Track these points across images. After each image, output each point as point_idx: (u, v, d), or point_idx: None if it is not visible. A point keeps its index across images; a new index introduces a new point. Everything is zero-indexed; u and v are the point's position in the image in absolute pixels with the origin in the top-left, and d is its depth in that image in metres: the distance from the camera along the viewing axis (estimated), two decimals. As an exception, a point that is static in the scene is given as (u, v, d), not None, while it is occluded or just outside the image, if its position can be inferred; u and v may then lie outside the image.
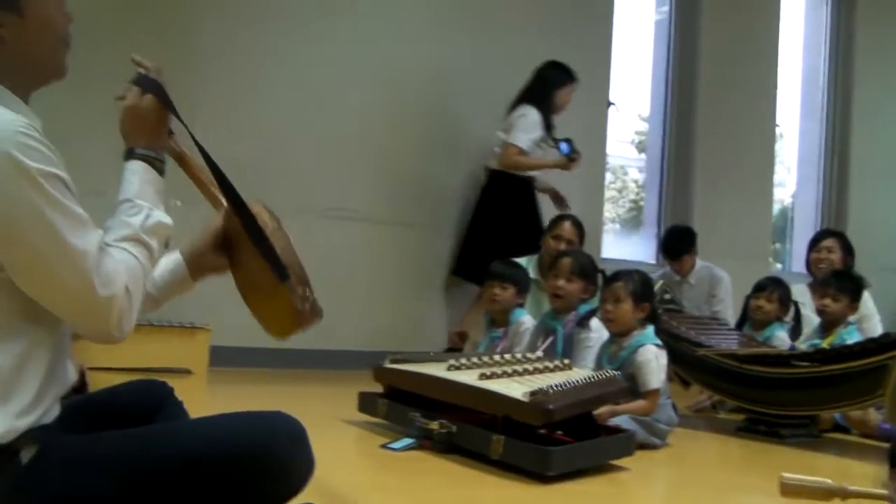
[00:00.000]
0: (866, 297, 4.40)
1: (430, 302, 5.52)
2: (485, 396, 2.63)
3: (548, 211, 5.24)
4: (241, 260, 1.62)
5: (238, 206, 1.53)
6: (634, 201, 9.12)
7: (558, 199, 5.39)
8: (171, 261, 1.65)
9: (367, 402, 3.18)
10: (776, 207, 7.82)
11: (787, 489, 1.97)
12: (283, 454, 1.39)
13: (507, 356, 3.12)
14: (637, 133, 8.50)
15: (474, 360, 3.00)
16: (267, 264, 1.50)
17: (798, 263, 7.31)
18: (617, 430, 2.85)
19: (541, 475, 2.40)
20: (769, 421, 3.62)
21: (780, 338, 4.22)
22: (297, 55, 5.08)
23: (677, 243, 5.46)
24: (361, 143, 5.26)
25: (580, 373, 2.92)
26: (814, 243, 5.02)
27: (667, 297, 4.52)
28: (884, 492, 1.97)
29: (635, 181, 9.18)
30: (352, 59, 5.25)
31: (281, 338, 1.60)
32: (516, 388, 2.59)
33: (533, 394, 2.50)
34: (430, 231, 5.54)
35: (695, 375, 4.04)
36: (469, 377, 2.76)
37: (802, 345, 4.11)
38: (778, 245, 8.21)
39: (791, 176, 8.43)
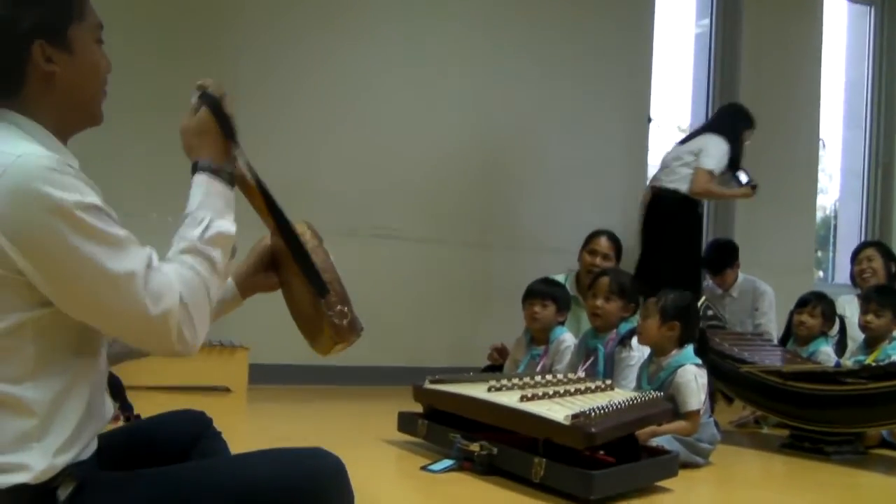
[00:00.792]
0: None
1: (473, 318, 5.53)
2: (526, 418, 2.61)
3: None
4: (287, 278, 1.64)
5: (281, 223, 1.53)
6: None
7: None
8: None
9: (406, 422, 3.18)
10: (818, 216, 7.72)
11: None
12: (325, 495, 1.39)
13: (549, 377, 3.11)
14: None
15: (515, 381, 2.99)
16: (306, 280, 1.52)
17: (840, 274, 7.30)
18: (659, 451, 2.82)
19: (583, 499, 2.38)
20: (814, 437, 3.57)
21: (825, 353, 4.15)
22: (343, 78, 5.17)
23: (719, 257, 5.42)
24: (411, 164, 5.38)
25: (622, 394, 2.90)
26: (854, 256, 5.11)
27: (710, 313, 4.47)
28: None
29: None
30: (400, 81, 5.34)
31: (323, 354, 1.60)
32: (558, 410, 2.57)
33: (575, 416, 2.47)
34: (472, 249, 5.60)
35: (739, 392, 4.00)
36: (510, 399, 2.74)
37: (847, 361, 4.05)
38: (819, 253, 8.09)
39: (833, 183, 8.32)
